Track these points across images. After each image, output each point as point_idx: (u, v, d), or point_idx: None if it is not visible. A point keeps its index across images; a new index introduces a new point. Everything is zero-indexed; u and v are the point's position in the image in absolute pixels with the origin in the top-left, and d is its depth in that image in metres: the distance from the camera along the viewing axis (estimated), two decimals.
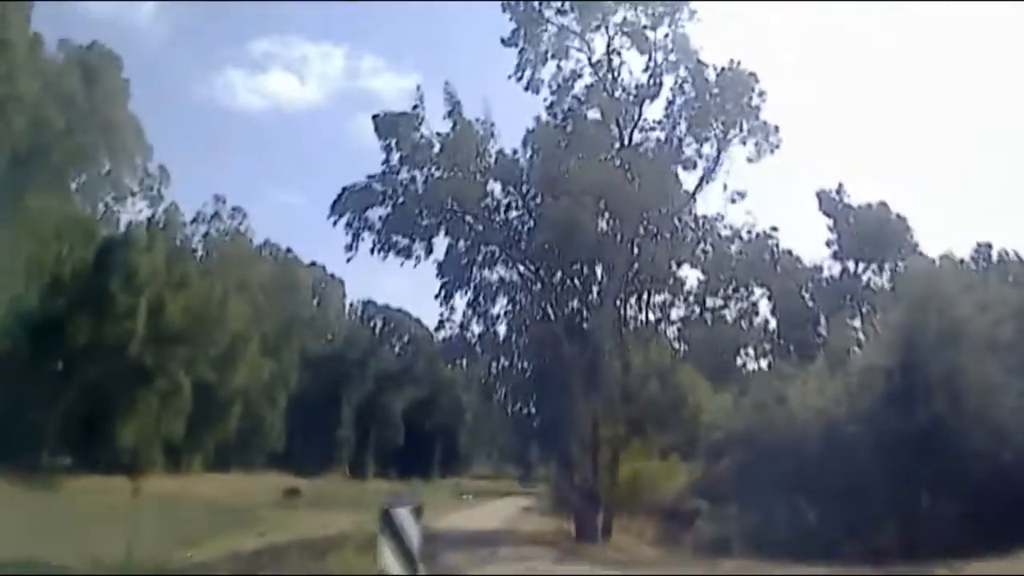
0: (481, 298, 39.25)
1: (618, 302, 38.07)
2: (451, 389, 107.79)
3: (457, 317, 39.64)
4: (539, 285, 38.60)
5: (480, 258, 38.90)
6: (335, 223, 36.78)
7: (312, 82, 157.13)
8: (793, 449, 28.97)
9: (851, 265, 51.24)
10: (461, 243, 38.44)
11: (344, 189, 36.87)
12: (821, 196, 51.64)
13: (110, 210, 66.51)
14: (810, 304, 49.90)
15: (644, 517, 40.07)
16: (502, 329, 40.10)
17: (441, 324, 40.58)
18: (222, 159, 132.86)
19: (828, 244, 51.77)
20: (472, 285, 39.04)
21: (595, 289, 38.87)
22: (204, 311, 66.85)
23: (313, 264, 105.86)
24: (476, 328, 39.81)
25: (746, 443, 32.27)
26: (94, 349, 58.30)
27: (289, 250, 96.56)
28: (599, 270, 38.60)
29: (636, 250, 37.68)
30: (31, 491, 49.04)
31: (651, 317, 39.79)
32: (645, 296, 39.50)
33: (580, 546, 32.99)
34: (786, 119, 40.30)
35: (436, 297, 38.69)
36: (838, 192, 51.59)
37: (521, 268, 38.90)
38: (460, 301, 39.34)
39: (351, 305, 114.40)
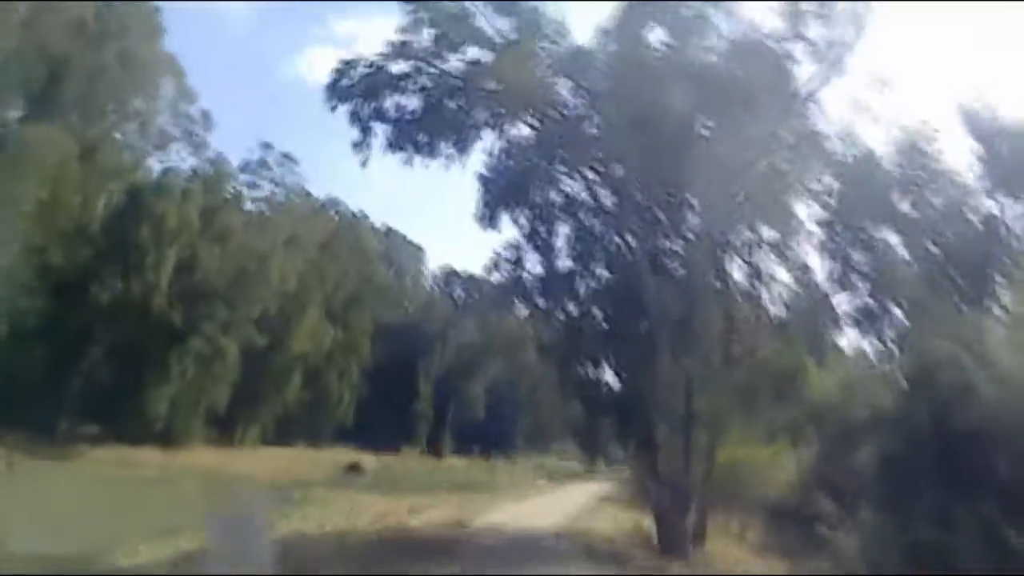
0: (540, 224, 28.86)
1: (720, 234, 27.54)
2: (535, 362, 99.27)
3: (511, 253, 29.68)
4: (616, 207, 27.88)
5: (539, 168, 28.28)
6: (333, 108, 26.42)
7: None
8: (982, 432, 18.50)
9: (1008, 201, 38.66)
10: (512, 148, 27.99)
11: (343, 66, 26.51)
12: (966, 112, 38.45)
13: (145, 156, 57.65)
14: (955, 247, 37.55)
15: (742, 515, 31.51)
16: (565, 267, 29.57)
17: (495, 265, 30.52)
18: (307, 135, 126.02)
19: (976, 175, 38.68)
20: (528, 206, 28.64)
21: (689, 217, 28.06)
22: (244, 267, 57.70)
23: (389, 230, 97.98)
24: (535, 266, 29.65)
25: (900, 423, 21.70)
26: (119, 306, 50.07)
27: (363, 213, 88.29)
28: (694, 191, 27.55)
29: (745, 164, 26.58)
30: (38, 460, 41.48)
31: (763, 255, 28.97)
32: (754, 228, 28.72)
33: (662, 562, 23.04)
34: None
35: (479, 219, 28.22)
36: (986, 107, 38.53)
37: (592, 177, 28.08)
38: (513, 230, 29.13)
39: (432, 274, 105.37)
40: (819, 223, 29.15)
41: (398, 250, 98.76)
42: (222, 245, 55.67)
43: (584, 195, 28.15)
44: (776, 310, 29.36)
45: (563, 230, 28.81)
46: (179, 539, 22.68)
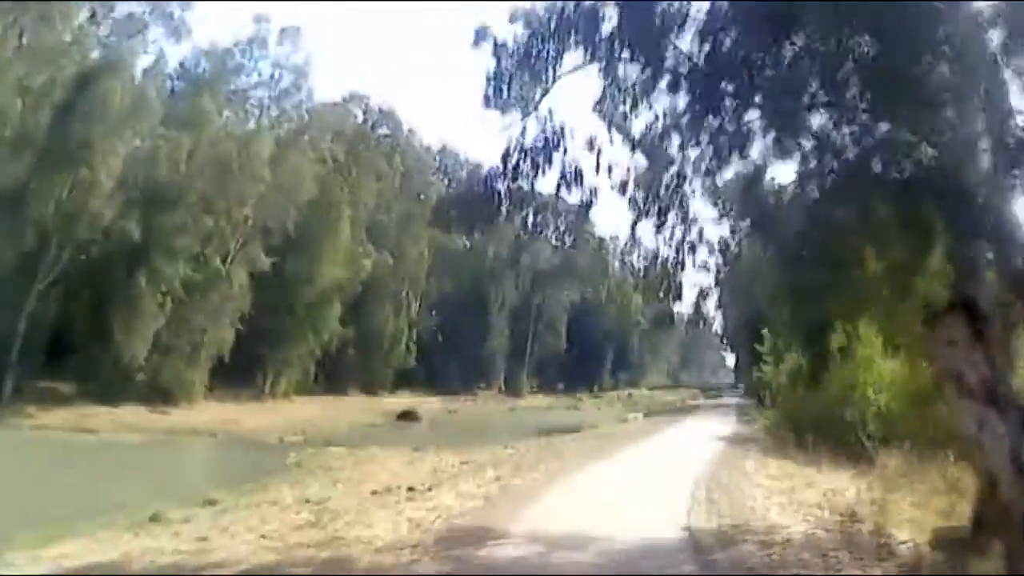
0: None
1: None
2: (621, 285, 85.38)
3: None
4: None
5: None
6: None
7: None
8: None
9: None
10: None
11: None
12: None
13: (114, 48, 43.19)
14: None
15: None
16: None
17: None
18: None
19: None
20: None
21: None
22: (225, 163, 43.01)
23: (444, 147, 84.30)
24: None
25: None
26: (67, 224, 36.72)
27: (390, 110, 73.76)
28: None
29: None
30: None
31: None
32: None
33: None
34: None
35: None
36: None
37: None
38: None
39: None
40: None
41: (453, 166, 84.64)
42: (194, 135, 41.35)
43: None
44: None
45: None
46: None
